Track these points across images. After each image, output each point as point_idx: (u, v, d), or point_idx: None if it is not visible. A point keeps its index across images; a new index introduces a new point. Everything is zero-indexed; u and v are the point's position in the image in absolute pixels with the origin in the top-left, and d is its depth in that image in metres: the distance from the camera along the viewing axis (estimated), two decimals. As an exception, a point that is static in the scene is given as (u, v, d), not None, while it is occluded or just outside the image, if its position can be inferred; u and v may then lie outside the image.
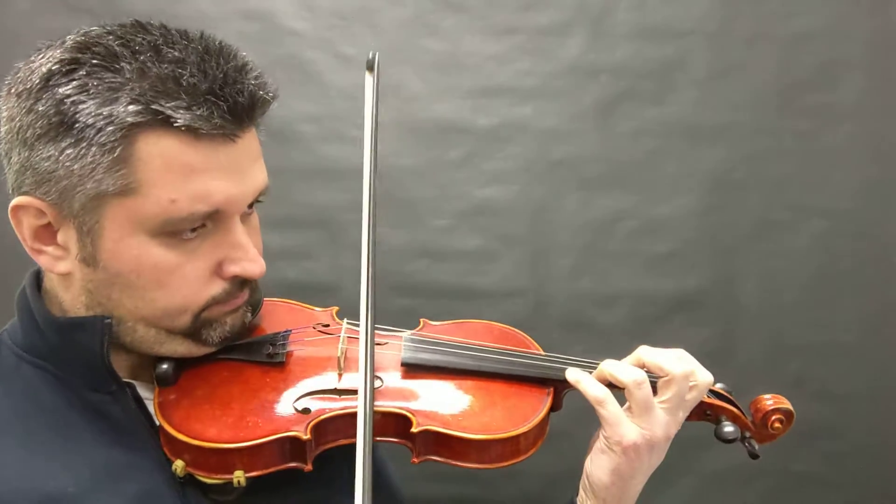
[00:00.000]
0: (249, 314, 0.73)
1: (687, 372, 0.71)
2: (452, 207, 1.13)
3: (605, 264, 1.13)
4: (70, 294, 0.67)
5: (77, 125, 0.59)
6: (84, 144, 0.59)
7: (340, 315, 0.82)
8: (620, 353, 1.12)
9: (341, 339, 0.75)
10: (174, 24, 0.72)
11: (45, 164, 0.60)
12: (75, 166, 0.60)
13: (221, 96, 0.61)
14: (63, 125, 0.59)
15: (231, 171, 0.64)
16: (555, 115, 1.13)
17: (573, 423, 0.84)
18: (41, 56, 0.62)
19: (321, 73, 1.11)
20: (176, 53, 0.61)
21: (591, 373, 0.75)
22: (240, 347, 0.73)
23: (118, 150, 0.59)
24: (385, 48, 1.13)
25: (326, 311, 0.83)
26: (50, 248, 0.65)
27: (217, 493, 0.67)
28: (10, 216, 0.64)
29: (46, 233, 0.64)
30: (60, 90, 0.59)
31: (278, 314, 0.81)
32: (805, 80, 1.14)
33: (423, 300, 1.10)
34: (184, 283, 0.65)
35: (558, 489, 0.79)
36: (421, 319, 0.85)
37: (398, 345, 0.77)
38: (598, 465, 0.71)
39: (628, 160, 1.13)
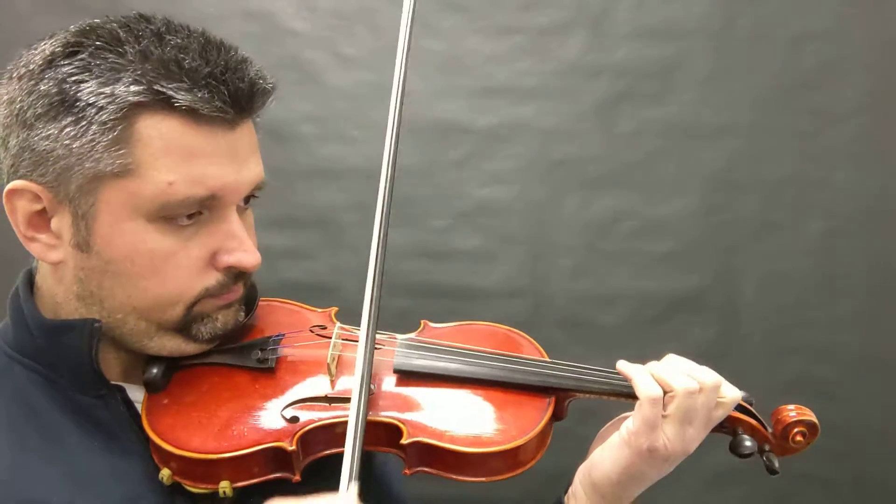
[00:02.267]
0: (242, 313, 0.72)
1: (717, 382, 0.68)
2: (452, 207, 1.13)
3: (605, 264, 1.13)
4: (62, 285, 0.66)
5: (78, 104, 0.59)
6: (84, 123, 0.59)
7: (339, 315, 0.80)
8: (620, 353, 1.11)
9: (332, 344, 0.72)
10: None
11: (44, 144, 0.60)
12: (75, 144, 0.60)
13: (223, 81, 0.62)
14: (64, 104, 0.60)
15: (229, 159, 0.64)
16: (555, 115, 1.13)
17: (573, 423, 0.84)
18: (43, 42, 0.63)
19: (321, 73, 1.11)
20: (178, 41, 0.62)
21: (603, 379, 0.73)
22: (230, 351, 0.71)
23: (118, 129, 0.59)
24: (385, 48, 1.13)
25: (325, 312, 0.80)
26: (43, 236, 0.64)
27: (205, 502, 0.66)
28: (4, 202, 0.63)
29: (40, 220, 0.64)
30: (63, 70, 0.60)
31: (274, 316, 0.78)
32: (805, 80, 1.13)
33: (423, 300, 1.10)
34: (178, 271, 0.64)
35: (559, 489, 0.79)
36: (422, 321, 0.82)
37: (392, 350, 0.73)
38: (612, 460, 0.68)
39: (628, 160, 1.13)
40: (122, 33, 0.62)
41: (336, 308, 0.81)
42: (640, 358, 1.12)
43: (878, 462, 1.13)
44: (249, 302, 0.74)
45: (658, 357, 1.13)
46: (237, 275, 0.68)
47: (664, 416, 0.67)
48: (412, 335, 0.78)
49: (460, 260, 1.13)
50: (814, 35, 1.14)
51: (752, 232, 1.14)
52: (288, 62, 1.13)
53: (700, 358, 1.17)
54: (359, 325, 0.66)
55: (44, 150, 0.60)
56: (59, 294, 0.67)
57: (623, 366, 0.71)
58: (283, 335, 0.74)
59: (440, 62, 1.12)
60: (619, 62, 1.13)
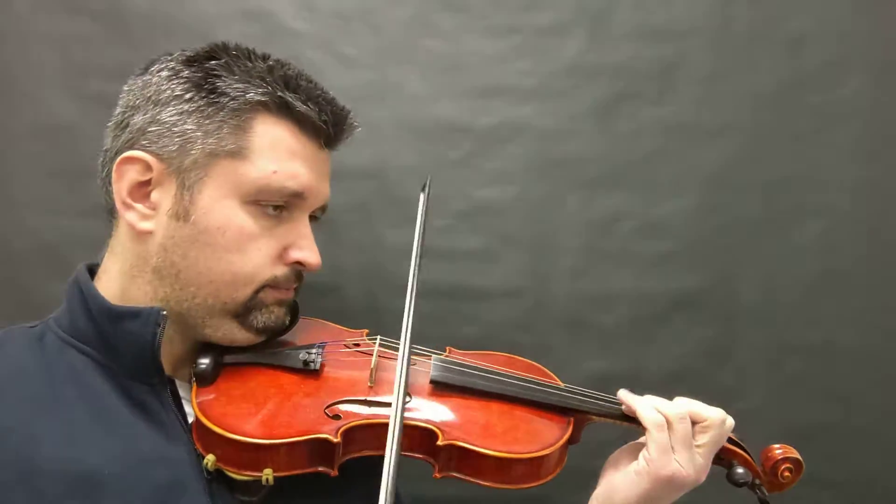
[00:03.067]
0: (289, 317, 0.80)
1: (723, 417, 0.75)
2: (452, 207, 1.13)
3: (605, 264, 1.13)
4: (141, 257, 0.73)
5: (217, 90, 0.71)
6: (217, 106, 0.71)
7: (371, 336, 0.85)
8: (620, 353, 1.12)
9: (374, 353, 0.79)
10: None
11: (175, 118, 0.71)
12: (205, 122, 0.71)
13: (329, 103, 0.77)
14: (203, 88, 0.72)
15: (316, 170, 0.77)
16: (555, 116, 1.13)
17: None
18: (177, 52, 0.76)
19: (321, 73, 1.10)
20: (294, 69, 0.77)
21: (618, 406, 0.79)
22: (276, 354, 0.77)
23: (242, 118, 0.72)
24: (385, 48, 1.13)
25: (357, 332, 0.87)
26: (140, 206, 0.73)
27: (243, 491, 0.69)
28: (114, 169, 0.72)
29: (141, 191, 0.73)
30: (206, 65, 0.73)
31: (313, 329, 0.85)
32: (805, 79, 1.14)
33: (423, 300, 1.09)
34: (258, 253, 0.73)
35: (559, 489, 0.79)
36: (447, 347, 0.87)
37: (427, 364, 0.80)
38: (630, 486, 0.74)
39: (628, 160, 1.13)
40: (251, 53, 0.75)
41: (367, 330, 0.87)
42: (641, 358, 1.13)
43: (878, 462, 1.13)
44: (294, 314, 0.82)
45: (657, 356, 1.14)
46: (298, 274, 0.78)
47: (673, 445, 0.73)
48: (443, 355, 0.84)
49: (460, 260, 1.13)
50: (814, 35, 1.14)
51: (752, 232, 1.14)
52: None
53: (700, 358, 1.17)
54: (397, 341, 0.73)
55: (172, 123, 0.71)
56: (136, 267, 0.73)
57: (625, 396, 0.78)
58: (326, 344, 0.81)
59: (440, 62, 1.13)
60: (619, 62, 1.13)
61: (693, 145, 1.14)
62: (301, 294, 0.86)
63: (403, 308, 0.75)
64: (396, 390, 0.67)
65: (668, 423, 0.72)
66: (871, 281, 1.14)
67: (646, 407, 0.75)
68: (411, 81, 1.12)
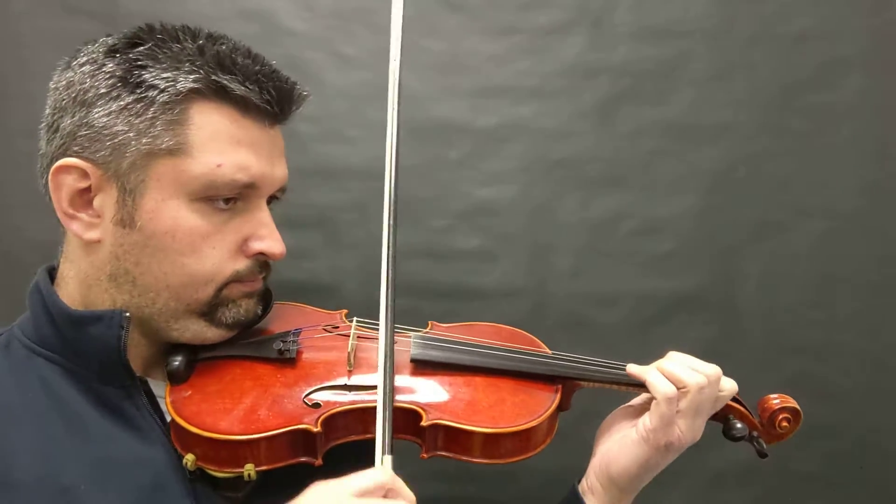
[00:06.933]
0: (261, 308, 0.76)
1: (719, 373, 0.74)
2: (452, 207, 1.13)
3: (605, 264, 1.13)
4: (94, 266, 0.69)
5: (142, 84, 0.65)
6: (146, 102, 0.65)
7: (350, 317, 0.83)
8: (620, 352, 1.12)
9: (351, 335, 0.77)
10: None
11: (104, 120, 0.65)
12: (136, 121, 0.65)
13: (270, 79, 0.70)
14: (128, 84, 0.65)
15: (267, 153, 0.71)
16: (555, 116, 1.13)
17: (573, 423, 0.84)
18: (101, 38, 0.69)
19: (321, 73, 1.11)
20: (229, 44, 0.70)
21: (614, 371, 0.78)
22: (251, 345, 0.75)
23: (176, 110, 0.65)
24: (385, 48, 1.12)
25: (336, 314, 0.84)
26: (83, 215, 0.68)
27: (227, 488, 0.68)
28: (50, 179, 0.67)
29: (82, 199, 0.68)
30: (129, 55, 0.66)
31: (288, 315, 0.82)
32: (805, 79, 1.13)
33: (423, 300, 1.10)
34: (214, 251, 0.69)
35: (558, 489, 0.79)
36: (429, 322, 0.85)
37: (407, 342, 0.78)
38: (630, 456, 0.72)
39: (628, 160, 1.13)
40: (179, 33, 0.68)
41: (346, 311, 0.84)
42: (641, 358, 1.13)
43: (878, 462, 1.13)
44: (266, 302, 0.78)
45: (657, 356, 1.14)
46: (262, 265, 0.74)
47: (677, 412, 0.71)
48: (423, 332, 0.82)
49: (460, 260, 1.13)
50: (813, 34, 1.14)
51: (752, 232, 1.14)
52: (287, 62, 1.13)
53: (700, 358, 1.17)
54: (374, 320, 0.70)
55: (102, 126, 0.65)
56: (91, 276, 0.69)
57: (634, 368, 0.76)
58: (301, 330, 0.78)
59: (440, 62, 1.12)
60: (619, 62, 1.13)
61: (693, 145, 1.14)
62: (301, 293, 0.86)
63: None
64: (381, 366, 0.66)
65: (687, 391, 0.70)
66: (871, 281, 1.14)
67: (658, 378, 0.72)
68: (411, 81, 1.12)
